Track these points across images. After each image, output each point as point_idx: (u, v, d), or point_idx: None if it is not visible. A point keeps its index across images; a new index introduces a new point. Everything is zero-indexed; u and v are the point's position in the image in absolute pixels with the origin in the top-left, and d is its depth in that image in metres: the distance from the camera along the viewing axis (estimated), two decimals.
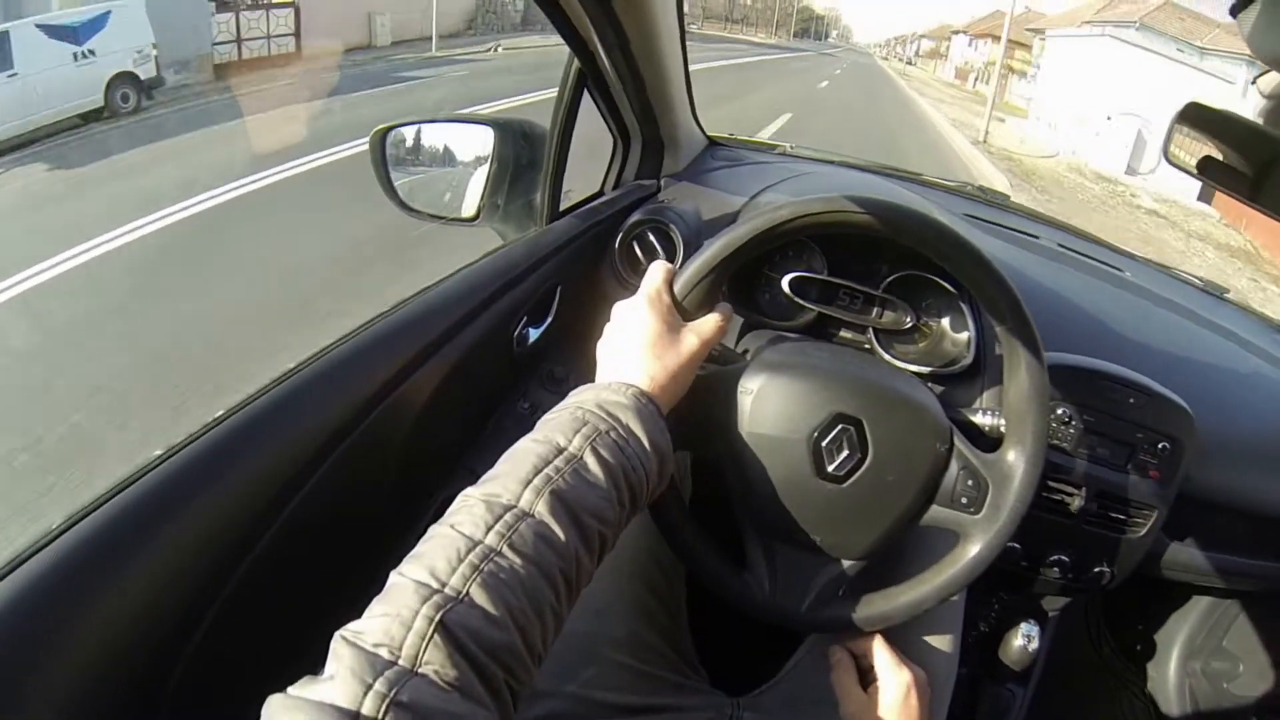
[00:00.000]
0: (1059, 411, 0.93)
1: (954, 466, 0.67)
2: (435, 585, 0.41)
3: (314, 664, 0.38)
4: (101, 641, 0.47)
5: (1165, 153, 1.01)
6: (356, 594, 0.43)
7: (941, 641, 0.82)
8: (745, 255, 0.66)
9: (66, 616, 0.45)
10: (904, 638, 0.78)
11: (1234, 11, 0.57)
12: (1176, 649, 1.41)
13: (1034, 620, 1.04)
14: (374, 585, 0.43)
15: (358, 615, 0.41)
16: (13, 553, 0.46)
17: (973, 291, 0.69)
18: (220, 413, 0.58)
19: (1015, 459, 0.67)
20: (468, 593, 0.41)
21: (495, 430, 0.89)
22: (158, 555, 0.50)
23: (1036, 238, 1.30)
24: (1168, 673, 1.42)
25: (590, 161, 1.16)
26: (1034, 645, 1.02)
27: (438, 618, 0.39)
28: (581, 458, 0.51)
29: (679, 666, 0.79)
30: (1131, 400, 0.94)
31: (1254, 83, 0.90)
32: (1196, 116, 0.98)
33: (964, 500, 0.66)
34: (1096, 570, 1.00)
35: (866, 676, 0.72)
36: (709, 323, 0.64)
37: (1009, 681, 1.14)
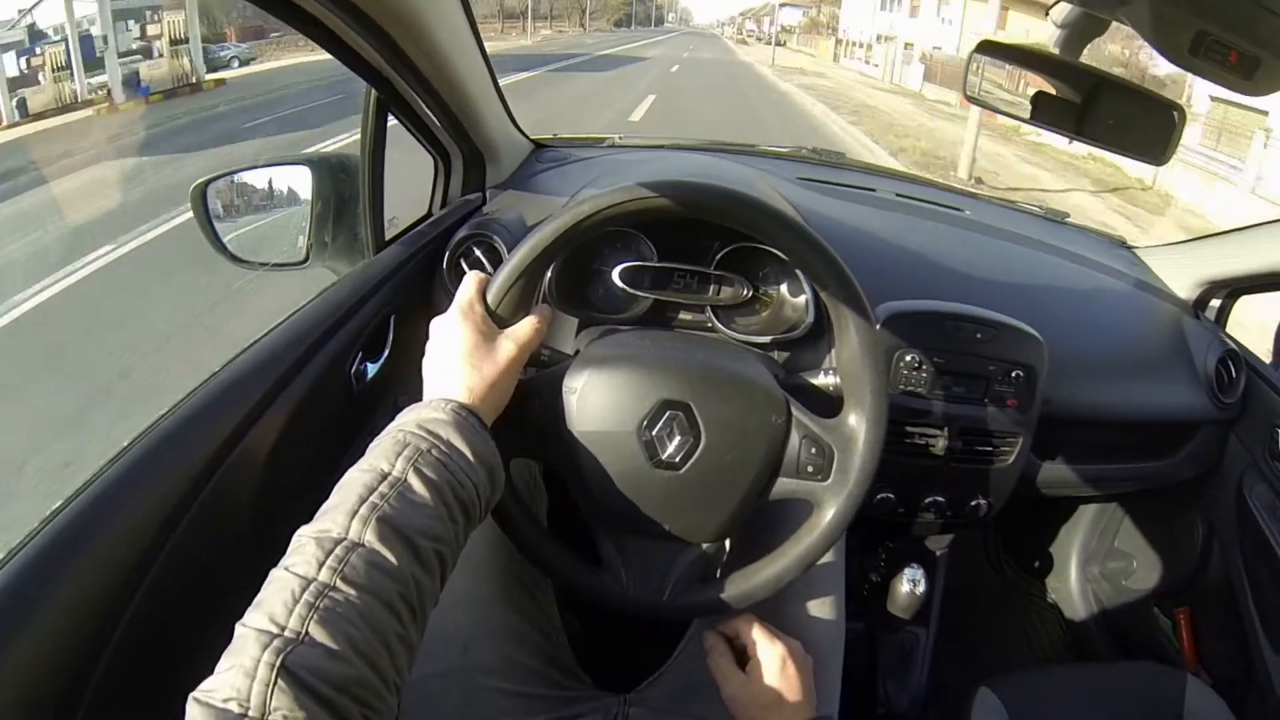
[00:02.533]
0: (908, 358, 0.95)
1: (795, 436, 0.66)
2: (275, 630, 0.41)
3: None
4: None
5: (964, 89, 1.03)
6: (221, 654, 0.43)
7: (823, 605, 0.82)
8: (553, 255, 0.65)
9: None
10: (785, 609, 0.79)
11: None
12: (1074, 557, 1.48)
13: (917, 564, 1.06)
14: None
15: None
16: None
17: (787, 257, 0.68)
18: (55, 506, 0.56)
19: (856, 421, 0.67)
20: (307, 632, 0.41)
21: (346, 469, 0.89)
22: (13, 652, 0.49)
23: (873, 190, 1.32)
24: (1069, 581, 1.48)
25: (423, 184, 1.15)
26: (921, 588, 1.05)
27: (278, 662, 0.39)
28: (405, 480, 0.51)
29: (558, 680, 0.78)
30: (978, 335, 0.96)
31: (1047, 15, 0.93)
32: (994, 52, 1.01)
33: (810, 469, 0.66)
34: (973, 504, 1.02)
35: (744, 656, 0.72)
36: (525, 327, 0.65)
37: (909, 625, 1.17)
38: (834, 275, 0.65)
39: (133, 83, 12.69)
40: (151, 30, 14.06)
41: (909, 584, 1.06)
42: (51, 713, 0.51)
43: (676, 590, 0.69)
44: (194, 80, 13.86)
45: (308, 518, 0.50)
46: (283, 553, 0.48)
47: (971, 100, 1.01)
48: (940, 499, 1.02)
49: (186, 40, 14.37)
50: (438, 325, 0.65)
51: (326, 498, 0.52)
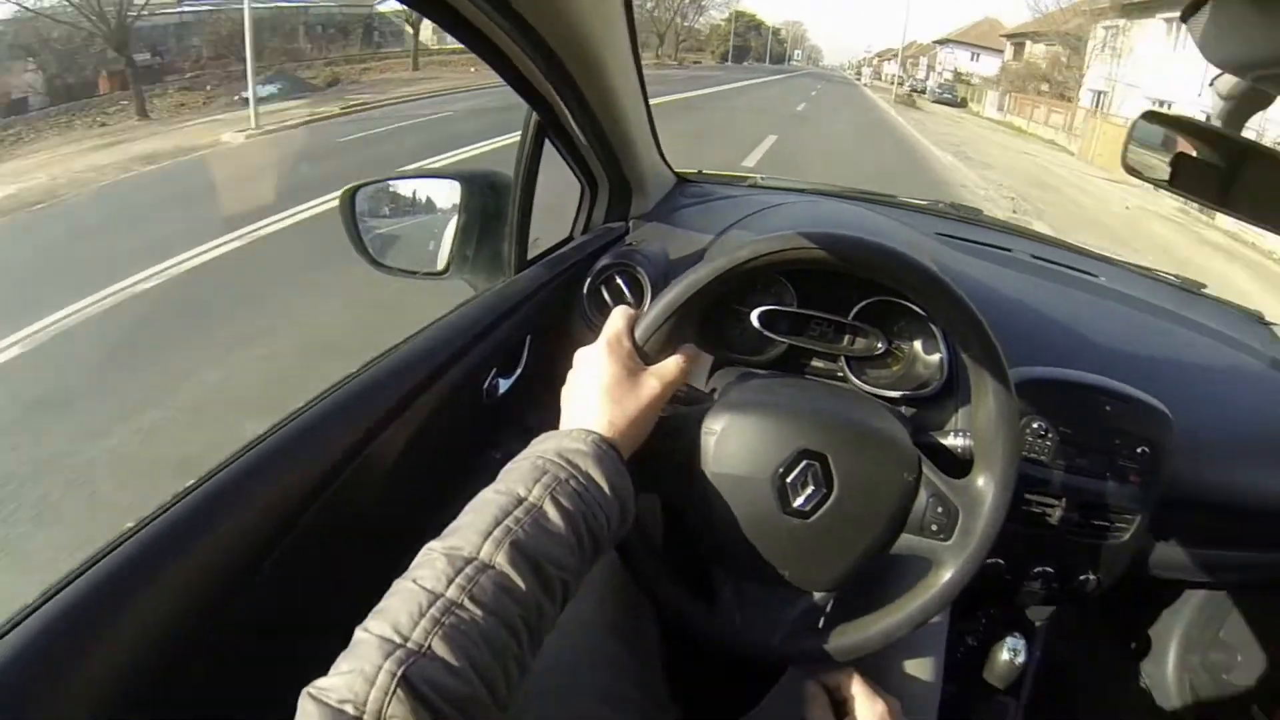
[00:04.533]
0: (1034, 425, 0.93)
1: (923, 494, 0.67)
2: (398, 640, 0.42)
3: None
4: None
5: (1124, 162, 1.02)
6: (335, 651, 0.43)
7: (923, 665, 0.82)
8: (706, 297, 0.67)
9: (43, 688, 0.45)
10: (885, 665, 0.79)
11: (1184, 17, 0.57)
12: (1173, 644, 1.42)
13: (1019, 633, 1.05)
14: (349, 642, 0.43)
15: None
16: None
17: (933, 316, 0.70)
18: (181, 488, 0.57)
19: (985, 484, 0.67)
20: (429, 646, 0.42)
21: (469, 482, 0.90)
22: (131, 624, 0.50)
23: (1009, 250, 1.30)
24: (1166, 668, 1.42)
25: (563, 207, 1.17)
26: (1020, 659, 1.03)
27: (400, 672, 0.40)
28: (541, 507, 0.52)
29: (651, 713, 0.79)
30: (1107, 407, 0.94)
31: (1211, 84, 0.91)
32: (1156, 122, 0.99)
33: (934, 527, 0.67)
34: (1082, 579, 1.00)
35: (842, 709, 0.71)
36: (670, 365, 0.65)
37: (1000, 695, 1.14)
38: (978, 340, 0.66)
39: None
40: None
41: (1009, 653, 1.04)
42: (151, 688, 0.51)
43: (787, 635, 0.70)
44: None
45: (428, 525, 0.51)
46: (399, 558, 0.49)
47: (1129, 171, 1.00)
48: (1049, 570, 1.00)
49: None
50: (583, 356, 0.66)
51: (449, 508, 0.53)
